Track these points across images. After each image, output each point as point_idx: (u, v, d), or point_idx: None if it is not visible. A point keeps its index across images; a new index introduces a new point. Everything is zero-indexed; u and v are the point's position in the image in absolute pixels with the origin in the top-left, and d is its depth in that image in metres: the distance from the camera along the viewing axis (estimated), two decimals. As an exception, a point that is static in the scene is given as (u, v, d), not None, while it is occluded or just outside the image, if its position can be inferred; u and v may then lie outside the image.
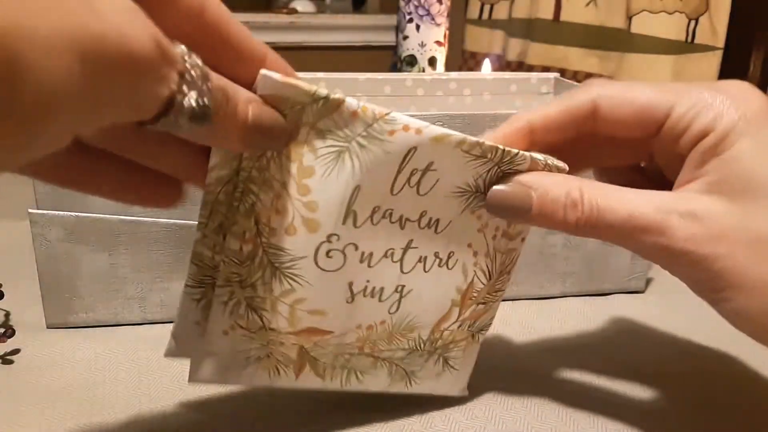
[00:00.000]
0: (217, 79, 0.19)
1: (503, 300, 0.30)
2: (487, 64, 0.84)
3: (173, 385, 0.32)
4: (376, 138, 0.23)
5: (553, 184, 0.25)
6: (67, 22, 0.14)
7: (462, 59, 1.38)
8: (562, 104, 0.26)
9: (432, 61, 0.80)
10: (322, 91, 0.22)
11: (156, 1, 0.18)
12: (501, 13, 1.31)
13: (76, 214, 0.34)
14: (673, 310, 0.40)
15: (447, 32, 0.81)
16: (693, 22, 0.98)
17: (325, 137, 0.23)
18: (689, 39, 0.98)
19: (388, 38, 1.48)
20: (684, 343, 0.37)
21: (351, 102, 0.22)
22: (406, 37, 0.80)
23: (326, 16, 1.55)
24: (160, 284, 0.37)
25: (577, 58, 1.16)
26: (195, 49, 0.19)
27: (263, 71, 0.21)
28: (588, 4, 1.13)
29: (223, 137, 0.20)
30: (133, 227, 0.35)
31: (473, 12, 1.35)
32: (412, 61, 0.78)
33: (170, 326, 0.25)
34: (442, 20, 0.79)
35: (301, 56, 1.50)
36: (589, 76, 1.14)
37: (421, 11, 0.78)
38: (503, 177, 0.26)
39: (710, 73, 0.96)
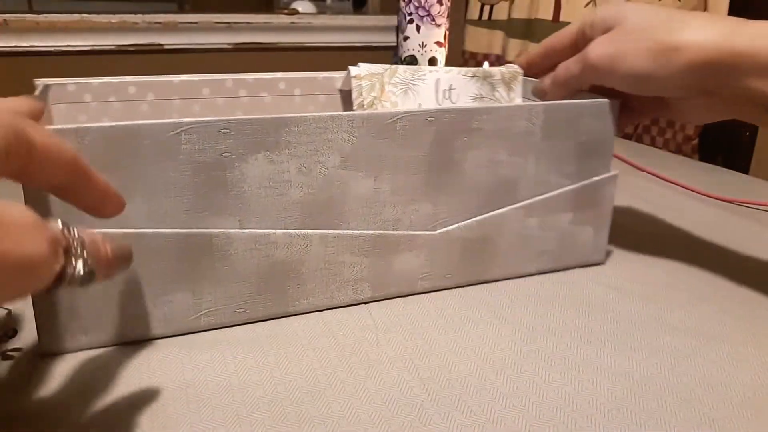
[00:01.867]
0: (87, 237, 0.24)
1: (486, 282, 0.42)
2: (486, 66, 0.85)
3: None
4: (419, 79, 0.48)
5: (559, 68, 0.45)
6: None
7: (462, 60, 1.38)
8: (562, 32, 0.46)
9: (432, 62, 0.81)
10: (385, 66, 0.47)
11: (42, 157, 0.23)
12: (501, 13, 1.31)
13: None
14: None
15: (447, 33, 0.81)
16: (693, 23, 0.98)
17: (395, 84, 0.47)
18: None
19: (389, 39, 1.48)
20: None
21: (400, 67, 0.47)
22: (406, 38, 0.80)
23: (327, 17, 1.55)
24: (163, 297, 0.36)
25: (577, 58, 1.16)
26: (67, 188, 0.26)
27: (351, 69, 0.46)
28: (587, 5, 1.13)
29: (103, 276, 0.25)
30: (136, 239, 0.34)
31: (473, 13, 1.36)
32: (412, 62, 0.79)
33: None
34: (443, 21, 0.79)
35: (302, 57, 1.50)
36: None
37: (421, 12, 0.78)
38: (492, 86, 0.49)
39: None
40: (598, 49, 0.40)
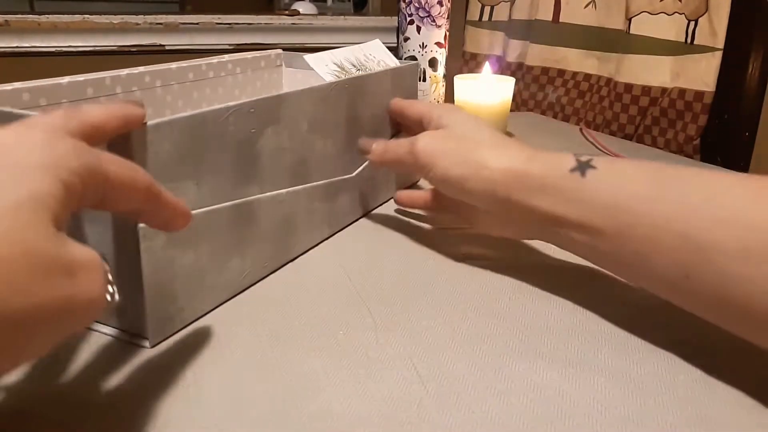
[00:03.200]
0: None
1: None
2: (487, 67, 0.85)
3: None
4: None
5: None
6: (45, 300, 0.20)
7: (462, 60, 1.38)
8: (414, 106, 0.54)
9: (432, 62, 0.81)
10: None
11: (118, 189, 0.25)
12: (501, 14, 1.31)
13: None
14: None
15: (447, 34, 0.81)
16: (692, 23, 0.98)
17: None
18: (689, 40, 0.99)
19: (389, 40, 1.48)
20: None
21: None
22: (407, 39, 0.81)
23: (328, 18, 1.55)
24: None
25: (576, 59, 1.16)
26: (143, 212, 0.28)
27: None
28: (587, 6, 1.13)
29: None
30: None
31: (474, 13, 1.36)
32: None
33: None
34: (443, 22, 0.80)
35: (302, 58, 1.50)
36: (588, 77, 1.15)
37: (421, 13, 0.79)
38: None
39: (709, 74, 0.96)
40: (425, 140, 0.45)
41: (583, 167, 0.37)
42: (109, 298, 0.24)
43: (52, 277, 0.20)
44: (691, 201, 0.33)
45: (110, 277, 0.24)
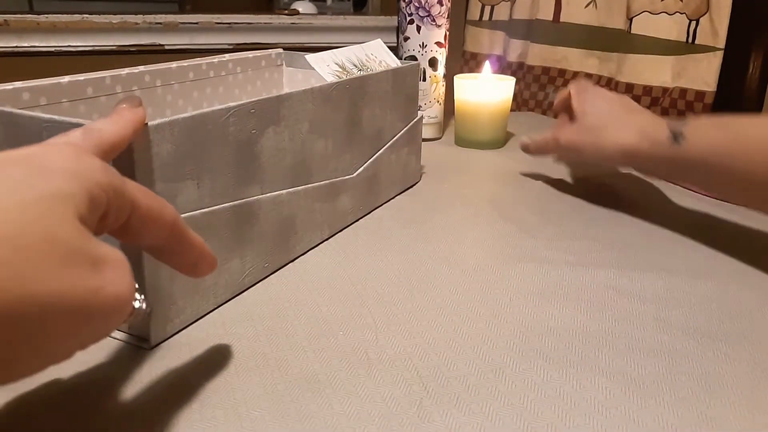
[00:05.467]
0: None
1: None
2: (487, 67, 0.85)
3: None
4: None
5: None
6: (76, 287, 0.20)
7: (463, 60, 1.38)
8: (563, 93, 0.65)
9: (432, 62, 0.81)
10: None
11: (145, 218, 0.25)
12: (502, 14, 1.31)
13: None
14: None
15: (447, 33, 0.81)
16: (693, 23, 0.98)
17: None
18: (690, 40, 0.99)
19: (389, 39, 1.48)
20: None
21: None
22: (407, 38, 0.80)
23: (327, 18, 1.55)
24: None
25: (577, 59, 1.16)
26: (165, 249, 0.28)
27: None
28: (588, 5, 1.13)
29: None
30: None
31: (474, 13, 1.36)
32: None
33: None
34: (443, 21, 0.79)
35: (302, 57, 1.50)
36: (589, 76, 1.14)
37: (421, 12, 0.79)
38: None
39: (710, 74, 0.96)
40: (566, 136, 0.60)
41: (677, 137, 0.50)
42: (137, 304, 0.24)
43: (77, 266, 0.20)
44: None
45: (137, 285, 0.25)
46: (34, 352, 0.20)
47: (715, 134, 0.48)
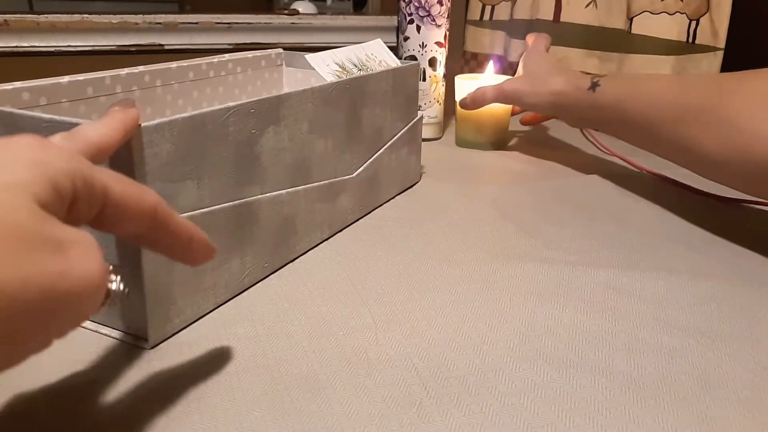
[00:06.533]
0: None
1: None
2: (490, 67, 0.85)
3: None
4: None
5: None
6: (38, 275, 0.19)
7: (463, 60, 1.38)
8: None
9: (432, 62, 0.81)
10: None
11: (120, 207, 0.24)
12: (502, 14, 1.31)
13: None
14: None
15: (447, 33, 0.81)
16: (694, 23, 0.98)
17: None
18: (690, 40, 0.99)
19: (389, 39, 1.48)
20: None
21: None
22: (406, 38, 0.80)
23: (327, 18, 1.55)
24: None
25: (577, 58, 1.16)
26: (148, 238, 0.27)
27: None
28: (588, 5, 1.13)
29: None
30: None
31: (474, 13, 1.35)
32: (412, 62, 0.79)
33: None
34: (443, 21, 0.79)
35: (302, 57, 1.49)
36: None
37: (421, 12, 0.79)
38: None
39: (710, 74, 0.96)
40: (511, 85, 0.72)
41: (594, 86, 0.61)
42: (114, 286, 0.24)
43: (38, 251, 0.19)
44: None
45: (111, 267, 0.24)
46: (7, 344, 0.19)
47: (622, 85, 0.58)
